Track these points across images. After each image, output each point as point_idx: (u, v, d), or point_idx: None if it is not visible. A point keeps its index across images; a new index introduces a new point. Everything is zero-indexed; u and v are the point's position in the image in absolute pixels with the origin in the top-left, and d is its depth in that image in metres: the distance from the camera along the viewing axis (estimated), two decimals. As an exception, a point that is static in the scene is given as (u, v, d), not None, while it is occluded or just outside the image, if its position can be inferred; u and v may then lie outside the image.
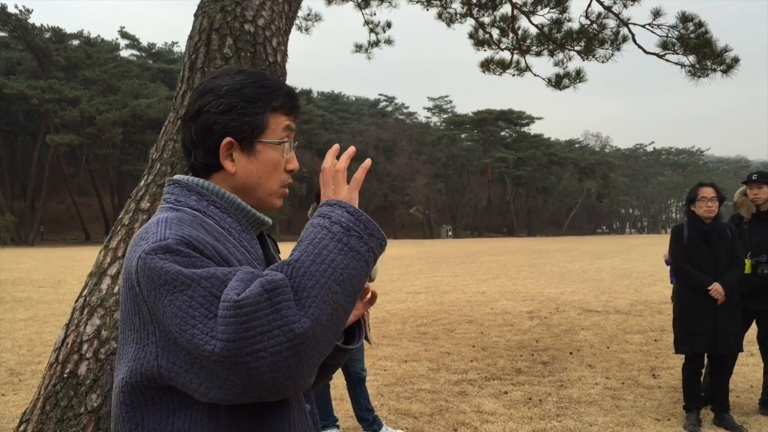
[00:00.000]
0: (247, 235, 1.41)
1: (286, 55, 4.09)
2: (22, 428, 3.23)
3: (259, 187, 1.42)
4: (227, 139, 1.39)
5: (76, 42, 71.69)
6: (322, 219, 1.25)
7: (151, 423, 1.26)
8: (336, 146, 1.40)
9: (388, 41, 10.98)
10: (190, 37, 3.88)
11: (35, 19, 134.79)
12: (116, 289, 3.35)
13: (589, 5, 9.29)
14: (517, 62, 10.38)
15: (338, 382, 5.77)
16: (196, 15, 3.93)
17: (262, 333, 1.10)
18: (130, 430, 1.28)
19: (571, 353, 8.04)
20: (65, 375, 3.22)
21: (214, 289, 1.14)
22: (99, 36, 77.28)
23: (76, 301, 3.49)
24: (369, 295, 1.53)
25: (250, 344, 1.09)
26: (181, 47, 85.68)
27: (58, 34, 68.71)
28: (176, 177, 1.44)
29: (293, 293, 1.14)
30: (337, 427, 5.10)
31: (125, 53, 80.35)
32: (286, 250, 1.61)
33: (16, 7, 74.75)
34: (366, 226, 1.26)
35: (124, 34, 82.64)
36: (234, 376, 1.12)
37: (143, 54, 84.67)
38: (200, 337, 1.12)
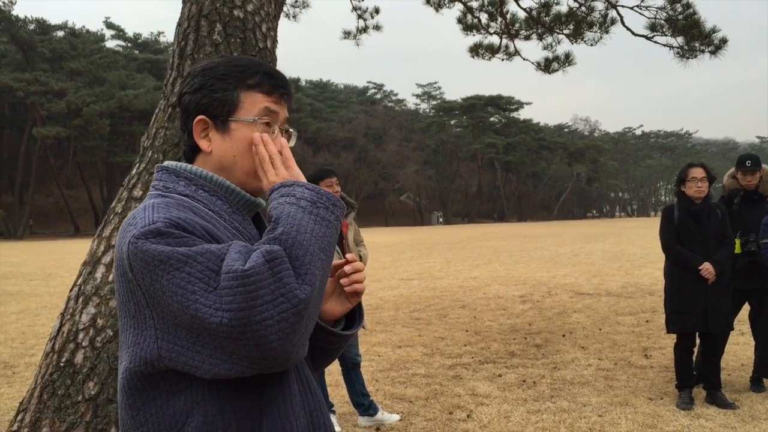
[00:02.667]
0: (238, 217, 1.41)
1: (276, 41, 4.08)
2: (19, 417, 3.24)
3: (235, 167, 1.41)
4: (199, 117, 1.40)
5: (60, 33, 70.86)
6: (287, 197, 1.29)
7: (152, 408, 1.26)
8: (257, 136, 1.39)
9: (377, 27, 10.95)
10: (179, 24, 3.85)
11: (19, 11, 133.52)
12: (111, 277, 3.34)
13: (578, -12, 9.28)
14: (506, 47, 10.39)
15: (333, 368, 5.79)
16: (184, 1, 3.90)
17: (268, 301, 1.12)
18: (132, 417, 1.28)
19: (563, 336, 8.10)
20: (62, 364, 3.22)
21: (210, 263, 1.16)
22: (84, 27, 76.31)
23: (71, 290, 3.49)
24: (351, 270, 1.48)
25: (258, 313, 1.11)
26: (167, 37, 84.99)
27: (42, 26, 67.94)
28: (165, 163, 1.44)
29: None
30: (334, 412, 5.12)
31: (111, 44, 79.44)
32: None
33: (-2, -1, 73.84)
34: (327, 197, 1.32)
35: (109, 25, 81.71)
36: (242, 347, 1.13)
37: (129, 44, 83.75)
38: (204, 311, 1.13)
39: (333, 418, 5.02)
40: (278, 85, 1.43)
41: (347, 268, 1.47)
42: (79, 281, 3.46)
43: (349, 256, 1.48)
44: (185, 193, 1.37)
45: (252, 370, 1.17)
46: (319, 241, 1.24)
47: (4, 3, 61.34)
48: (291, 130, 1.49)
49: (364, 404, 5.04)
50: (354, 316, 1.57)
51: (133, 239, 1.20)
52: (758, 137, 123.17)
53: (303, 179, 1.36)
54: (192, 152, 1.45)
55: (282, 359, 1.16)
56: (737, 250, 5.43)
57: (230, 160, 1.40)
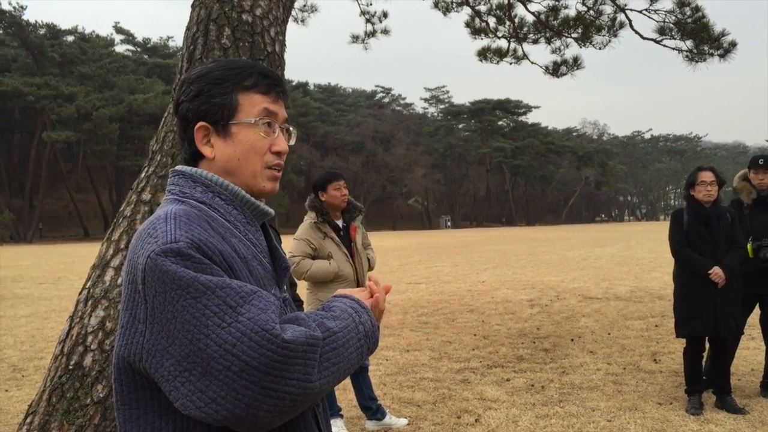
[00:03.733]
0: (251, 227, 1.40)
1: (284, 45, 4.09)
2: (28, 420, 3.25)
3: (240, 170, 1.40)
4: (200, 124, 1.38)
5: (70, 38, 71.30)
6: (354, 312, 1.36)
7: (135, 428, 1.25)
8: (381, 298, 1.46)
9: (385, 31, 10.96)
10: (188, 28, 3.87)
11: (29, 16, 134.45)
12: (119, 280, 3.35)
13: (586, -8, 9.27)
14: (514, 50, 10.39)
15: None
16: (193, 6, 3.92)
17: (284, 377, 1.14)
18: (121, 423, 1.28)
19: (572, 340, 8.07)
20: (71, 367, 3.23)
21: (228, 299, 1.15)
22: (94, 32, 76.84)
23: (80, 294, 3.50)
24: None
25: (269, 380, 1.13)
26: (176, 41, 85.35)
27: (52, 30, 68.41)
28: (181, 168, 1.42)
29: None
30: (341, 416, 5.11)
31: (120, 48, 79.83)
32: (287, 242, 1.61)
33: (9, 3, 74.31)
34: (376, 341, 1.40)
35: (118, 30, 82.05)
36: (231, 400, 1.12)
37: (138, 49, 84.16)
38: (215, 349, 1.12)
39: (340, 422, 5.02)
40: (274, 84, 1.43)
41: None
42: (88, 284, 3.48)
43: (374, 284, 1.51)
44: (202, 200, 1.35)
45: (221, 422, 1.14)
46: (347, 365, 1.30)
47: (14, 8, 61.85)
48: (291, 129, 1.49)
49: (371, 408, 5.03)
50: None
51: (153, 255, 1.18)
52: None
53: (373, 311, 1.42)
54: (194, 159, 1.43)
55: (255, 427, 1.16)
56: (749, 254, 5.39)
57: (234, 164, 1.39)
